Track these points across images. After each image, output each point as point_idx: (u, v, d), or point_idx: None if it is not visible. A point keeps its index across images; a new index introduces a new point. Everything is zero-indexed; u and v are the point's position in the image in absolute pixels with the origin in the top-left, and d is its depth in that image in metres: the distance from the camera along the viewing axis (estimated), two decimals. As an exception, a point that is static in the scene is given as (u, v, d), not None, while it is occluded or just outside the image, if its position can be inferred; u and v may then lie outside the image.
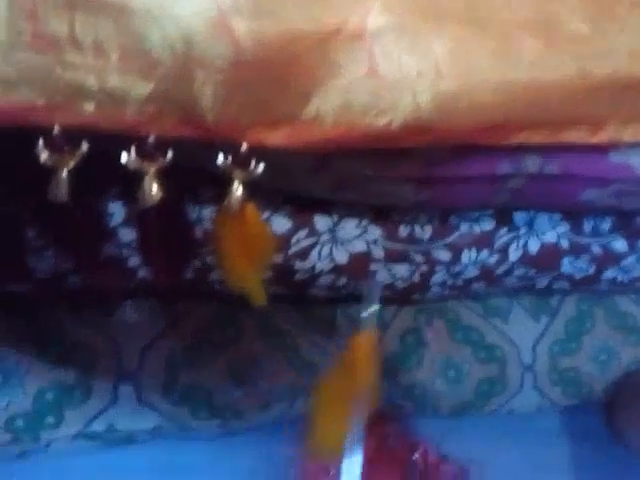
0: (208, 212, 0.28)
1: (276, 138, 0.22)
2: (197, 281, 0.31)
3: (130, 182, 0.23)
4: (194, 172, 0.26)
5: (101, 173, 0.25)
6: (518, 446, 0.41)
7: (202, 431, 0.36)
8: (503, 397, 0.40)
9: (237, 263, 0.26)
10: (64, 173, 0.22)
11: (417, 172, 0.25)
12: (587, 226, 0.35)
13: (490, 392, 0.39)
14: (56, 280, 0.29)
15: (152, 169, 0.22)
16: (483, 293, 0.38)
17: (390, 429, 0.40)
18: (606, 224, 0.35)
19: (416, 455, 0.39)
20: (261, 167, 0.22)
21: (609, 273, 0.37)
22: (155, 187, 0.23)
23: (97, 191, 0.27)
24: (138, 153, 0.22)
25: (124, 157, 0.22)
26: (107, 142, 0.22)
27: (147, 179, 0.22)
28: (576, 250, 0.35)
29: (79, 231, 0.27)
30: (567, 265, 0.36)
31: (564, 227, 0.35)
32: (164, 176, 0.23)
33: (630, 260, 0.36)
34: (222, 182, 0.24)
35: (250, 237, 0.25)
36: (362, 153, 0.24)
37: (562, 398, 0.41)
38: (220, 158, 0.22)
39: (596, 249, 0.36)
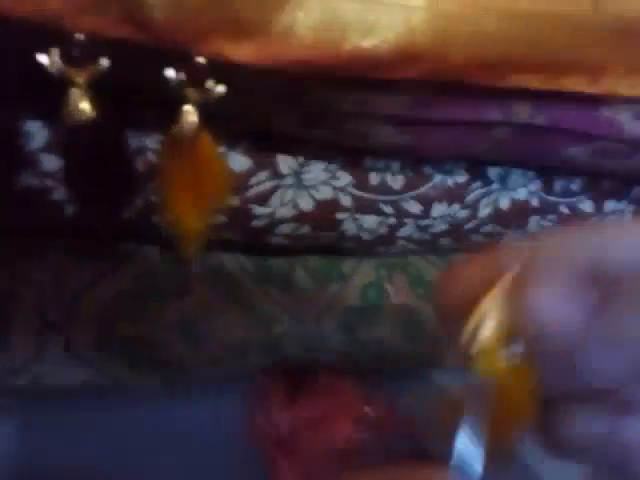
0: (153, 140, 0.24)
1: (240, 52, 0.18)
2: (138, 223, 0.27)
3: (56, 96, 0.19)
4: (137, 88, 0.21)
5: (15, 79, 0.20)
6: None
7: (141, 387, 0.33)
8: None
9: (182, 203, 0.22)
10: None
11: (400, 111, 0.21)
12: (557, 186, 0.34)
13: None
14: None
15: (81, 79, 0.18)
16: (448, 249, 0.36)
17: (343, 384, 0.39)
18: (576, 185, 0.34)
19: (367, 406, 0.39)
20: (221, 88, 0.18)
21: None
22: (85, 102, 0.18)
23: (10, 103, 0.22)
24: (63, 56, 0.18)
25: (43, 58, 0.17)
26: (22, 38, 0.17)
27: (74, 91, 0.18)
28: (545, 209, 0.34)
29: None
30: (534, 224, 0.35)
31: (536, 185, 0.33)
32: (98, 90, 0.19)
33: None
34: (172, 103, 0.20)
35: (201, 173, 0.21)
36: (341, 82, 0.20)
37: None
38: (170, 72, 0.18)
39: (564, 209, 0.35)
